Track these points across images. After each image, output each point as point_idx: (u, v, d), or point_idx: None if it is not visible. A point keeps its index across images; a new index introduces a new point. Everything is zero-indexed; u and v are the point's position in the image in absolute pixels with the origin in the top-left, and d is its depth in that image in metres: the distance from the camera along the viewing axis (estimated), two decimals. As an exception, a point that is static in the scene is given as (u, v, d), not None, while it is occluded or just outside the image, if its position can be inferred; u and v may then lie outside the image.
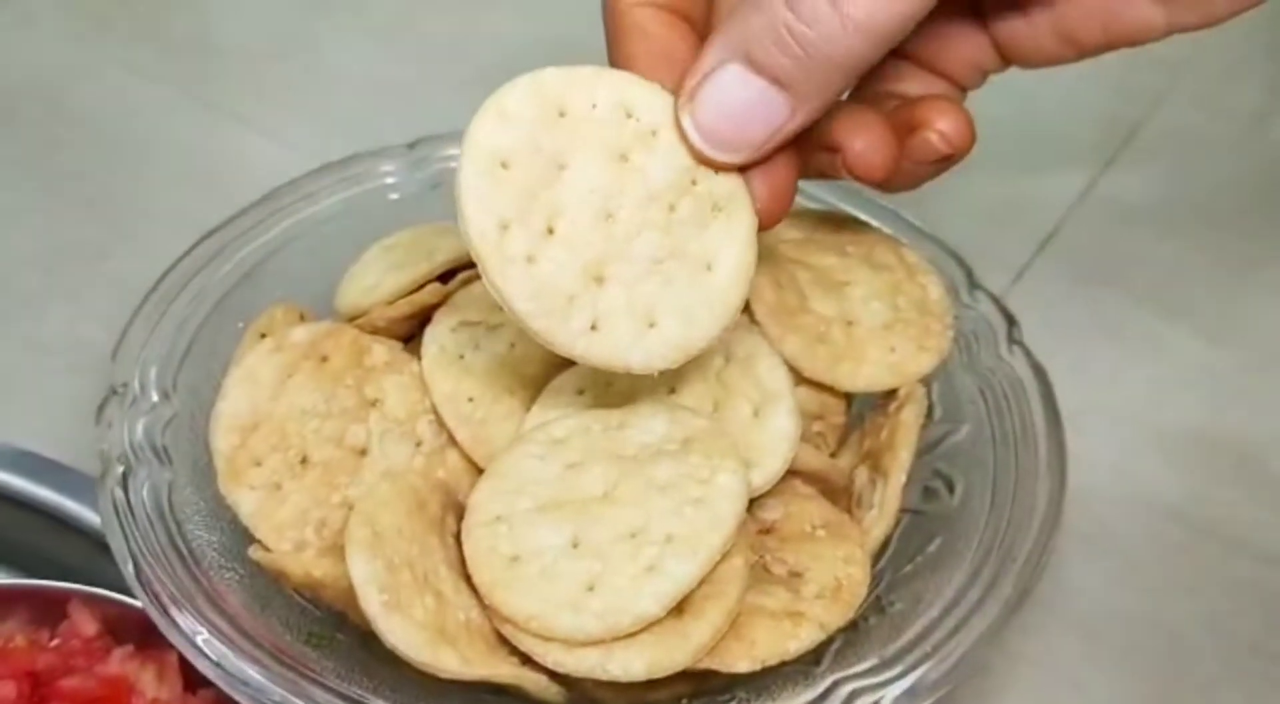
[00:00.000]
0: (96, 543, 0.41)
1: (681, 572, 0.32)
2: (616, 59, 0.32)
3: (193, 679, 0.37)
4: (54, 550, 0.42)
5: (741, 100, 0.30)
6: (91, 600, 0.39)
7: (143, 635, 0.38)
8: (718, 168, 0.32)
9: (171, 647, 0.37)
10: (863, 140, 0.33)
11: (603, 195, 0.31)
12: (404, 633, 0.32)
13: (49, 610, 0.39)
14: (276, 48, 0.71)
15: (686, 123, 0.31)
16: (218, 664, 0.32)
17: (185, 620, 0.33)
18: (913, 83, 0.36)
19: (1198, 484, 0.51)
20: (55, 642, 0.39)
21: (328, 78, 0.69)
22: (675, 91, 0.31)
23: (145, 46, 0.70)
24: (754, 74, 0.29)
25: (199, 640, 0.33)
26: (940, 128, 0.33)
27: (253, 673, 0.32)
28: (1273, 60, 0.75)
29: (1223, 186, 0.66)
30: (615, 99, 0.31)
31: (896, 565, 0.38)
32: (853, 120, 0.33)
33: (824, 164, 0.34)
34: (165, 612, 0.33)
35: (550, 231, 0.31)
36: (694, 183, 0.32)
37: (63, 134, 0.65)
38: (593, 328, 0.31)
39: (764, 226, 0.32)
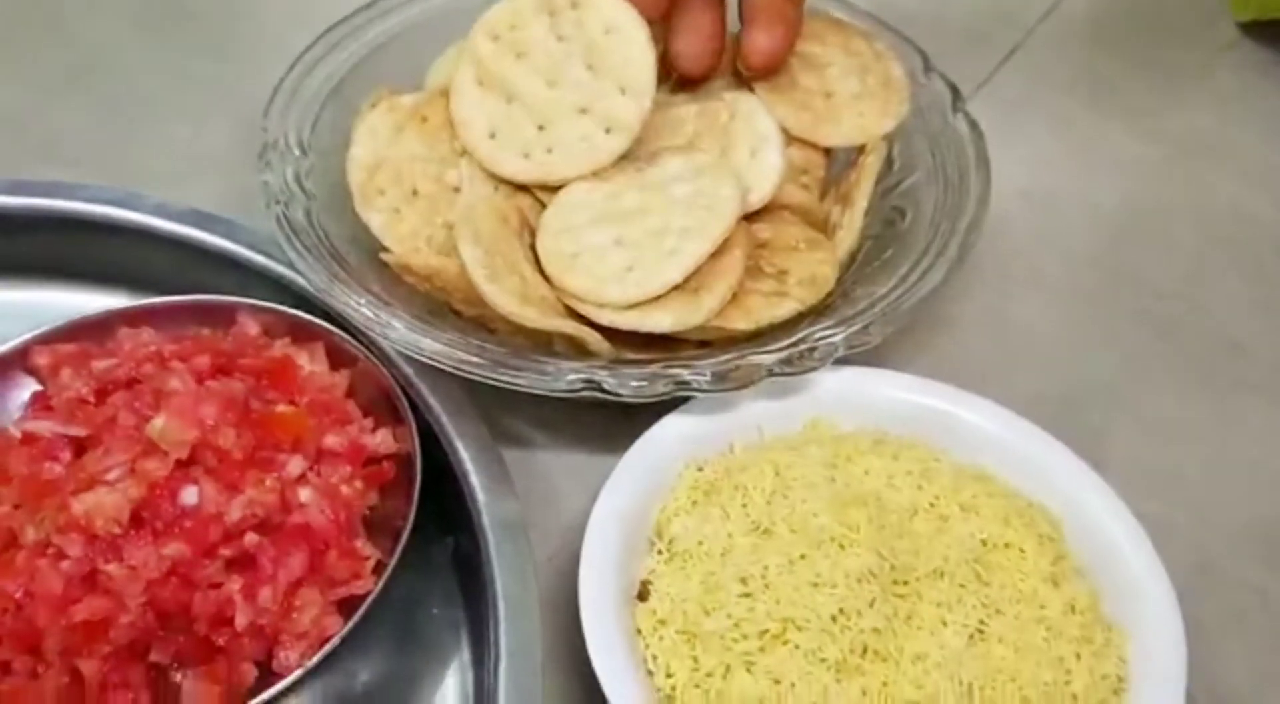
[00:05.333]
0: (250, 273, 0.54)
1: (694, 249, 0.45)
2: None
3: (337, 362, 0.50)
4: (217, 282, 0.55)
5: None
6: (254, 309, 0.52)
7: (293, 333, 0.51)
8: None
9: (318, 338, 0.50)
10: (685, 42, 0.49)
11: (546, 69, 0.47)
12: (501, 295, 0.44)
13: (219, 319, 0.52)
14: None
15: None
16: (374, 318, 0.45)
17: (346, 293, 0.46)
18: None
19: (1117, 243, 0.63)
20: (228, 339, 0.52)
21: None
22: None
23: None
24: None
25: (358, 304, 0.45)
26: (749, 64, 0.49)
27: (398, 325, 0.45)
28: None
29: (1162, 10, 0.76)
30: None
31: (859, 270, 0.50)
32: (689, 21, 0.49)
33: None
34: (330, 289, 0.46)
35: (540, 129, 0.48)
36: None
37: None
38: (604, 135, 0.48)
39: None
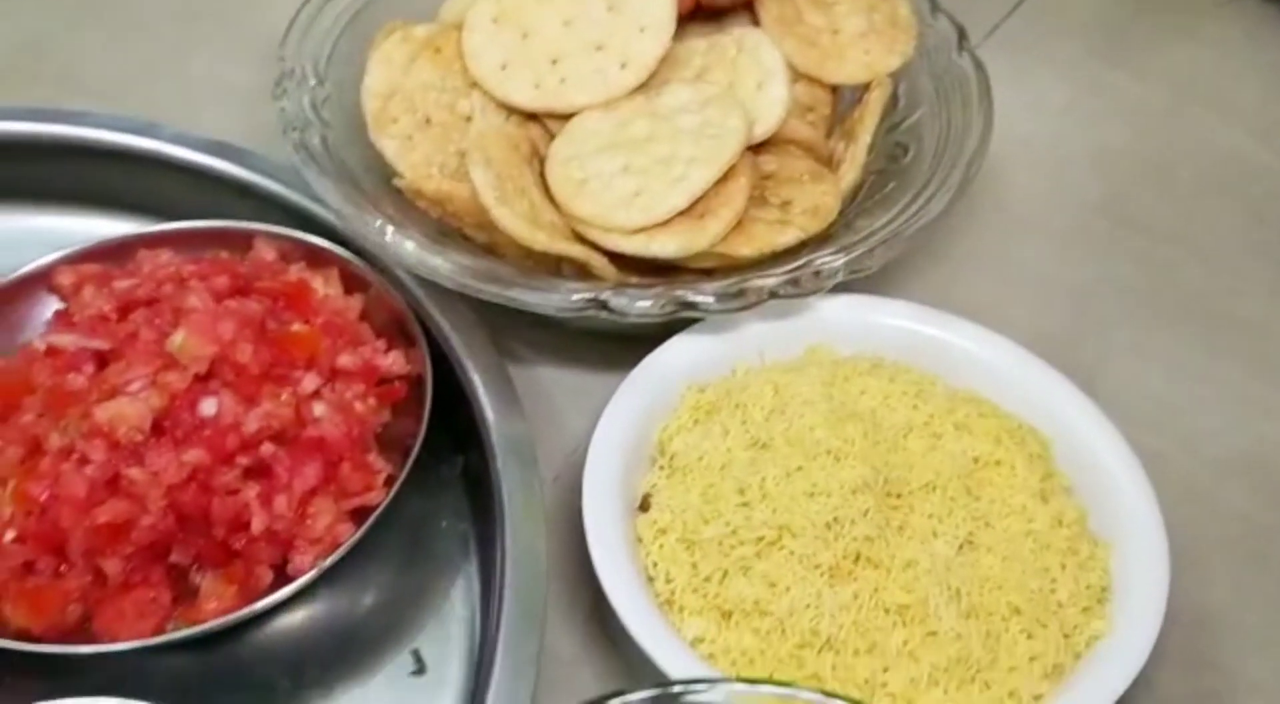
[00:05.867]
0: (266, 201, 0.56)
1: (699, 177, 0.46)
2: None
3: (351, 287, 0.52)
4: (233, 210, 0.56)
5: None
6: (271, 236, 0.53)
7: (308, 259, 0.52)
8: None
9: (333, 263, 0.52)
10: None
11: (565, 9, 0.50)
12: (510, 218, 0.46)
13: (236, 245, 0.53)
14: None
15: None
16: (387, 238, 0.46)
17: (360, 214, 0.47)
18: None
19: (1120, 188, 0.64)
20: (245, 263, 0.53)
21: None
22: None
23: None
24: None
25: (372, 225, 0.46)
26: None
27: (411, 246, 0.46)
28: None
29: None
30: None
31: (861, 204, 0.52)
32: None
33: None
34: (344, 209, 0.47)
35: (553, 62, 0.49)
36: None
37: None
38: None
39: None
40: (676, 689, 0.34)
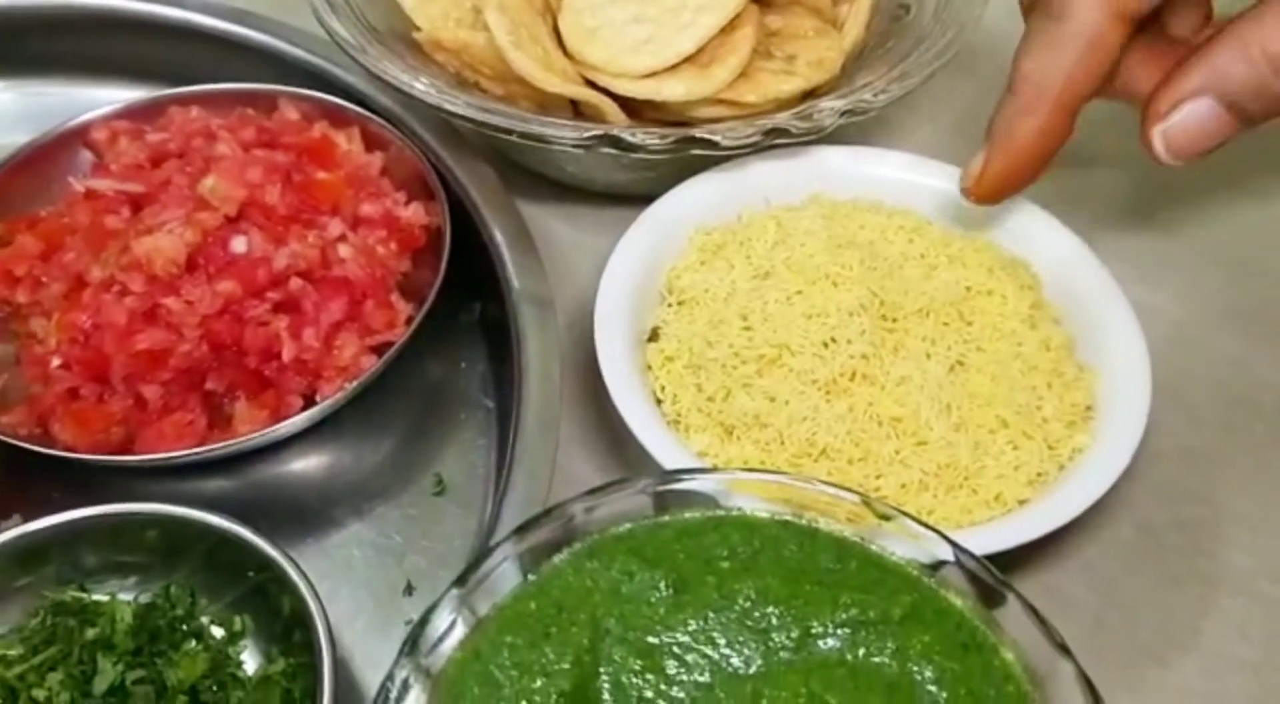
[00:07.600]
0: (289, 68, 0.58)
1: (706, 23, 0.48)
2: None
3: (371, 145, 0.54)
4: (257, 76, 0.58)
5: (1208, 129, 0.41)
6: (295, 97, 0.55)
7: (331, 119, 0.54)
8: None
9: (354, 123, 0.54)
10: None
11: None
12: (525, 62, 0.47)
13: (262, 106, 0.55)
14: None
15: (1157, 137, 0.42)
16: (407, 82, 0.48)
17: (381, 57, 0.49)
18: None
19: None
20: (271, 121, 0.55)
21: None
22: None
23: None
24: (1226, 111, 0.40)
25: (393, 68, 0.48)
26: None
27: (430, 88, 0.48)
28: None
29: None
30: None
31: (864, 59, 0.53)
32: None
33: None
34: (365, 51, 0.49)
35: None
36: None
37: None
38: None
39: None
40: (677, 476, 0.36)
